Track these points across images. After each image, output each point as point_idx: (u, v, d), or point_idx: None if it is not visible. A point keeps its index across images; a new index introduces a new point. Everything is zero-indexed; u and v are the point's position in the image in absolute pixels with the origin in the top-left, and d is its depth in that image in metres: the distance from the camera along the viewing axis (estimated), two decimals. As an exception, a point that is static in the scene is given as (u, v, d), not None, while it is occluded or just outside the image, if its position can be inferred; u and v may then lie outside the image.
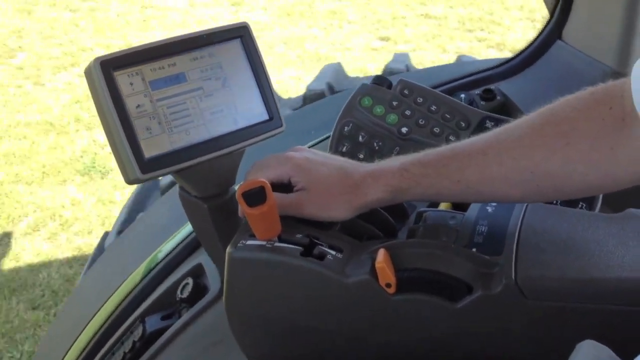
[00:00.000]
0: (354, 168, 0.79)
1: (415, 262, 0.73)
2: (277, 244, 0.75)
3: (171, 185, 1.68)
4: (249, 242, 0.75)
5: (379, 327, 0.75)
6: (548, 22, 1.41)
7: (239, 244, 0.75)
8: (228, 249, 0.75)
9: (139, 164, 0.77)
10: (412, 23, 5.04)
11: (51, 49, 4.59)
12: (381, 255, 0.71)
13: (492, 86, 1.33)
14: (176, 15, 5.03)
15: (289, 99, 2.02)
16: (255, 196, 0.72)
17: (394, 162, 0.78)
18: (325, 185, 0.77)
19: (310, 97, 1.79)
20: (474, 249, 0.73)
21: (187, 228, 1.27)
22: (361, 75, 3.31)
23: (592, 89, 0.72)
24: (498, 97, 1.30)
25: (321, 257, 0.73)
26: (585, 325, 0.71)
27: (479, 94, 1.31)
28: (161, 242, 1.29)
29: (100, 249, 1.77)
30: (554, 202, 0.86)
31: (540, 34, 1.42)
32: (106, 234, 1.86)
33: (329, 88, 1.75)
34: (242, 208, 0.73)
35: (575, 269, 0.71)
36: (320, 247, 0.74)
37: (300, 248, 0.74)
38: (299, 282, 0.74)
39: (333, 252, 0.74)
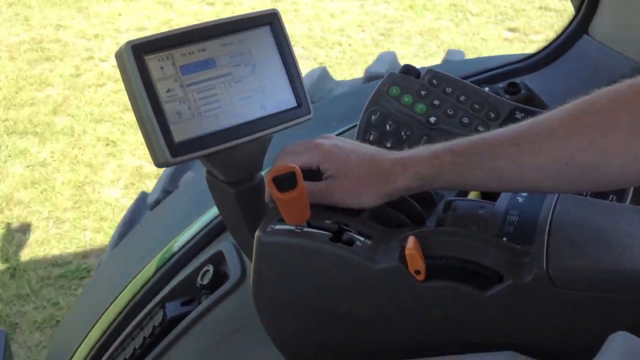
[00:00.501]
0: (384, 155, 0.79)
1: (445, 250, 0.72)
2: (306, 229, 0.75)
3: (159, 201, 1.68)
4: (278, 227, 0.75)
5: (408, 314, 0.75)
6: (575, 17, 1.40)
7: (267, 229, 0.75)
8: (257, 233, 0.75)
9: (169, 147, 0.78)
10: (532, 15, 5.06)
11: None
12: (411, 242, 0.71)
13: (517, 80, 1.32)
14: (308, 9, 5.10)
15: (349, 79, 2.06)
16: (286, 181, 0.72)
17: (424, 150, 0.78)
18: (354, 173, 0.77)
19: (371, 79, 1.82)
20: (504, 239, 0.73)
21: (207, 216, 1.27)
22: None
23: (630, 81, 0.71)
24: (523, 91, 1.28)
25: (350, 243, 0.73)
26: (616, 316, 0.70)
27: (503, 87, 1.30)
28: (185, 227, 1.30)
29: (139, 205, 1.77)
30: (584, 193, 0.86)
31: (566, 28, 1.42)
32: (143, 193, 1.86)
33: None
34: (273, 193, 0.73)
35: (606, 260, 0.70)
36: (349, 233, 0.74)
37: (329, 234, 0.74)
38: (328, 267, 0.74)
39: (362, 239, 0.74)
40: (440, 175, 0.75)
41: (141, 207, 1.80)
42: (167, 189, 1.71)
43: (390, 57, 1.97)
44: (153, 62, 0.78)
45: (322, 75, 1.93)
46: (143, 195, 1.83)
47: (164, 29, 4.56)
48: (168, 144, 0.78)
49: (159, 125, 0.78)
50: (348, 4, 5.17)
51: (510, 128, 0.75)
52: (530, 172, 0.73)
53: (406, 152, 0.78)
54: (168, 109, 0.78)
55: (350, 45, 4.63)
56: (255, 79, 0.84)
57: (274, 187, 0.73)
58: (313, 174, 0.79)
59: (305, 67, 4.19)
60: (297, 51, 4.40)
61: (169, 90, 0.79)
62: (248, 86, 0.84)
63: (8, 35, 4.54)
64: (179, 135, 0.79)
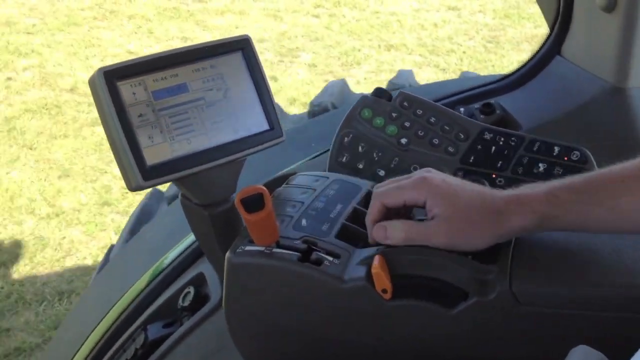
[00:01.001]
0: (494, 194, 0.73)
1: (411, 269, 0.73)
2: (275, 249, 0.76)
3: (177, 195, 1.69)
4: (248, 248, 0.76)
5: (376, 332, 0.76)
6: (548, 38, 1.42)
7: (237, 250, 0.76)
8: (227, 254, 0.76)
9: (141, 171, 0.79)
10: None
11: (326, 49, 4.72)
12: (377, 261, 0.72)
13: (491, 100, 1.34)
14: (410, 20, 5.15)
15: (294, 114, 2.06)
16: (254, 202, 0.73)
17: (540, 187, 0.73)
18: (464, 213, 0.72)
19: (314, 112, 1.82)
20: (469, 256, 0.74)
21: (191, 237, 1.28)
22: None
23: None
24: (497, 111, 1.30)
25: (318, 262, 0.74)
26: (579, 331, 0.72)
27: (478, 107, 1.31)
28: (166, 251, 1.30)
29: (106, 261, 1.78)
30: None
31: (540, 49, 1.43)
32: (112, 246, 1.88)
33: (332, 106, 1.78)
34: (241, 214, 0.74)
35: (569, 277, 0.72)
36: (317, 252, 0.75)
37: (297, 254, 0.75)
38: (297, 287, 0.75)
39: (330, 258, 0.75)
40: (560, 215, 0.70)
41: (153, 202, 1.81)
42: (129, 238, 1.72)
43: (339, 86, 1.96)
44: (125, 88, 0.79)
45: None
46: (155, 190, 1.84)
47: (283, 40, 4.66)
48: (140, 168, 0.79)
49: (130, 149, 0.78)
50: (445, 14, 5.21)
51: (630, 163, 0.71)
52: None
53: (520, 190, 0.73)
54: (140, 134, 0.79)
55: (464, 52, 4.68)
56: (227, 103, 0.85)
57: (242, 208, 0.73)
58: (400, 211, 0.77)
59: (428, 73, 4.24)
60: (415, 58, 4.50)
61: (140, 115, 0.80)
62: (220, 110, 0.85)
63: (141, 47, 4.57)
64: (150, 159, 0.79)
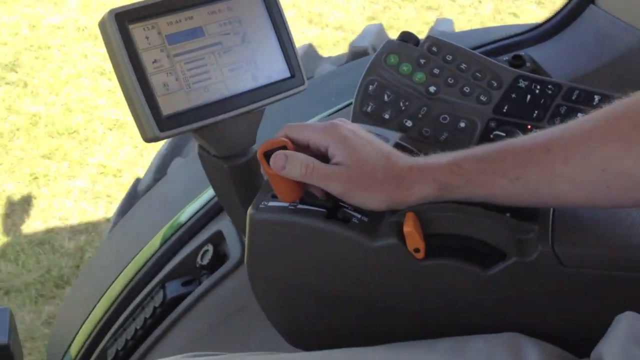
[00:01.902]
0: (400, 157, 0.71)
1: (446, 227, 0.69)
2: (300, 205, 0.72)
3: (151, 186, 1.68)
4: (271, 204, 0.72)
5: (406, 293, 0.73)
6: (581, -15, 1.36)
7: (260, 205, 0.72)
8: (249, 210, 0.72)
9: (157, 121, 0.75)
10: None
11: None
12: (409, 219, 0.67)
13: (521, 52, 1.29)
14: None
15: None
16: None
17: (444, 156, 0.70)
18: (369, 168, 0.69)
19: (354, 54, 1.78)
20: (507, 214, 0.69)
21: (208, 193, 1.26)
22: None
23: None
24: (527, 64, 1.25)
25: (346, 220, 0.70)
26: (624, 295, 0.68)
27: (507, 59, 1.26)
28: (183, 206, 1.29)
29: (132, 194, 1.77)
30: None
31: (572, -2, 1.38)
32: (137, 180, 1.86)
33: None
34: (264, 168, 0.70)
35: (615, 237, 0.68)
36: (345, 209, 0.71)
37: (324, 210, 0.71)
38: (323, 245, 0.71)
39: (359, 216, 0.71)
40: (461, 185, 0.68)
41: (136, 194, 1.80)
42: (158, 175, 1.70)
43: (377, 29, 1.93)
44: (138, 32, 0.75)
45: (308, 52, 1.89)
46: (137, 182, 1.82)
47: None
48: (156, 118, 0.75)
49: (145, 98, 0.75)
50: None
51: (540, 133, 0.68)
52: (561, 182, 0.66)
53: (422, 158, 0.71)
54: (155, 81, 0.76)
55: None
56: (245, 49, 0.81)
57: (264, 162, 0.70)
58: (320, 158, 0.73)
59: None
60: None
61: (155, 61, 0.76)
62: (238, 56, 0.81)
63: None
64: (166, 109, 0.76)
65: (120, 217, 1.64)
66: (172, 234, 1.24)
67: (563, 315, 0.71)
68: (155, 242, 1.27)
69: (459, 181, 0.68)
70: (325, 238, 0.71)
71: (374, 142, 0.72)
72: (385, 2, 4.47)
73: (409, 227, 0.67)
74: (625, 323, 0.62)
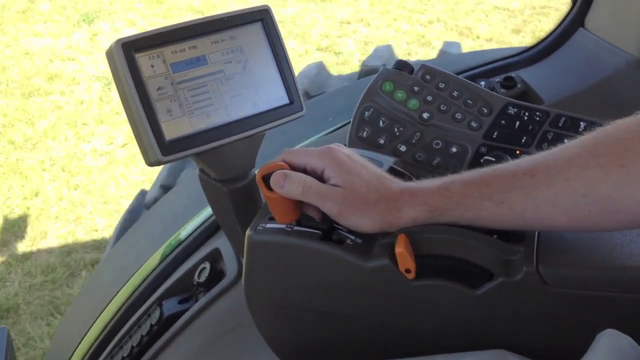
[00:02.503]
0: (393, 181, 0.74)
1: (436, 248, 0.72)
2: (296, 227, 0.74)
3: (157, 199, 1.69)
4: (269, 226, 0.75)
5: (398, 312, 0.75)
6: (570, 10, 1.39)
7: (258, 227, 0.75)
8: (247, 232, 0.75)
9: (160, 146, 0.78)
10: None
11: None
12: (401, 240, 0.70)
13: (512, 74, 1.32)
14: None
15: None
16: None
17: (434, 181, 0.73)
18: (362, 190, 0.72)
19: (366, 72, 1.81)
20: (494, 236, 0.72)
21: (206, 212, 1.27)
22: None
23: None
24: (518, 85, 1.28)
25: (340, 241, 0.73)
26: (607, 313, 0.70)
27: (499, 81, 1.29)
28: (182, 224, 1.30)
29: (136, 208, 1.78)
30: None
31: (562, 21, 1.40)
32: (142, 192, 1.87)
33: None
34: (262, 191, 0.73)
35: (597, 257, 0.70)
36: (339, 231, 0.74)
37: (319, 232, 0.74)
38: (318, 266, 0.74)
39: (352, 237, 0.73)
40: (450, 208, 0.71)
41: (141, 205, 1.81)
42: (165, 186, 1.71)
43: (387, 50, 1.97)
44: (143, 60, 0.78)
45: (319, 70, 1.92)
46: (142, 193, 1.84)
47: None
48: (159, 143, 0.78)
49: (149, 123, 0.77)
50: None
51: (525, 159, 0.71)
52: (545, 206, 0.68)
53: (414, 182, 0.74)
54: (159, 107, 0.78)
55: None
56: (247, 76, 0.84)
57: (263, 186, 0.72)
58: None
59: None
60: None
61: (159, 88, 0.79)
62: (240, 83, 0.83)
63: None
64: (170, 134, 0.79)
65: (123, 231, 1.65)
66: (171, 251, 1.25)
67: (548, 333, 0.73)
68: (154, 259, 1.28)
69: (448, 204, 0.71)
70: (320, 259, 0.73)
71: (368, 167, 0.75)
72: (522, 15, 4.51)
73: (401, 248, 0.69)
74: (606, 340, 0.64)
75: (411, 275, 0.71)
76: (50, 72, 4.01)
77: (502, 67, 1.39)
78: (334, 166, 0.73)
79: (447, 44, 2.17)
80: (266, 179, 0.73)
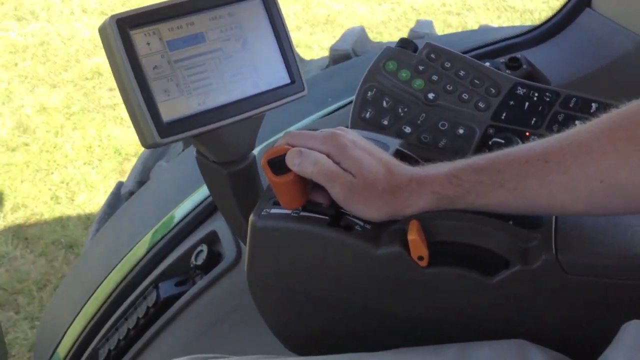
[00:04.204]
0: (400, 167, 0.71)
1: (449, 235, 0.69)
2: (302, 213, 0.71)
3: (133, 191, 1.67)
4: (273, 211, 0.72)
5: (409, 300, 0.72)
6: (577, -12, 1.36)
7: (262, 212, 0.72)
8: (251, 217, 0.72)
9: (158, 127, 0.74)
10: None
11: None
12: (413, 227, 0.67)
13: (518, 54, 1.29)
14: None
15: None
16: (282, 164, 0.69)
17: (442, 167, 0.70)
18: (369, 178, 0.69)
19: (335, 58, 1.77)
20: (510, 222, 0.69)
21: (201, 193, 1.25)
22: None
23: None
24: (524, 66, 1.25)
25: (349, 227, 0.70)
26: (628, 303, 0.68)
27: (504, 62, 1.26)
28: (171, 208, 1.28)
29: (115, 196, 1.76)
30: None
31: (568, 1, 1.37)
32: (120, 183, 1.84)
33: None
34: (268, 176, 0.70)
35: (617, 244, 0.67)
36: (348, 217, 0.71)
37: (327, 218, 0.71)
38: (326, 253, 0.71)
39: (361, 223, 0.70)
40: (460, 196, 0.68)
41: (119, 198, 1.79)
42: (141, 179, 1.69)
43: (357, 32, 1.92)
44: (139, 37, 0.74)
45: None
46: (120, 185, 1.81)
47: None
48: (156, 124, 0.74)
49: (146, 104, 0.74)
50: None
51: (538, 143, 0.68)
52: (560, 192, 0.66)
53: (421, 169, 0.71)
54: (155, 87, 0.75)
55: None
56: (246, 55, 0.81)
57: (269, 170, 0.69)
58: None
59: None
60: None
61: (155, 67, 0.75)
62: (239, 62, 0.80)
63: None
64: (167, 115, 0.75)
65: (103, 221, 1.62)
66: (166, 233, 1.24)
67: (567, 323, 0.70)
68: (145, 242, 1.26)
69: (458, 192, 0.68)
70: (328, 245, 0.70)
71: (374, 152, 0.72)
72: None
73: (413, 235, 0.67)
74: (632, 331, 0.62)
75: (424, 263, 0.68)
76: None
77: (507, 47, 1.36)
78: (339, 152, 0.70)
79: (419, 24, 2.12)
80: (272, 163, 0.70)
